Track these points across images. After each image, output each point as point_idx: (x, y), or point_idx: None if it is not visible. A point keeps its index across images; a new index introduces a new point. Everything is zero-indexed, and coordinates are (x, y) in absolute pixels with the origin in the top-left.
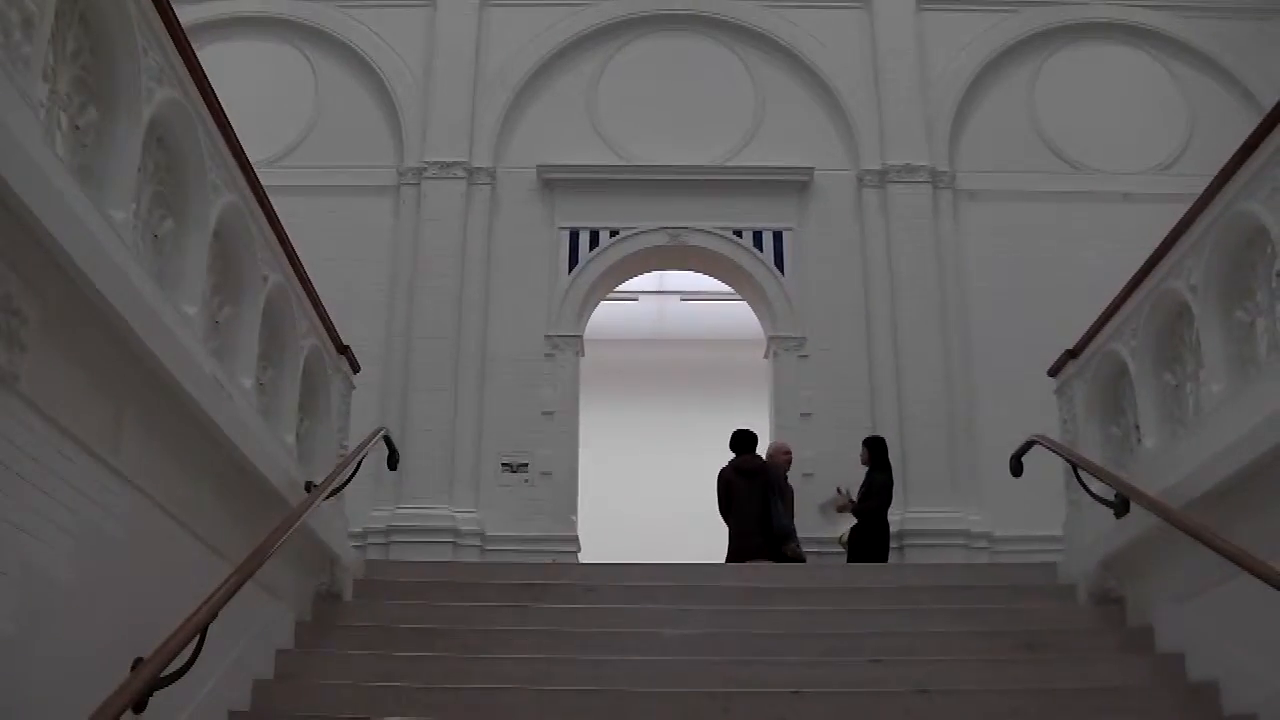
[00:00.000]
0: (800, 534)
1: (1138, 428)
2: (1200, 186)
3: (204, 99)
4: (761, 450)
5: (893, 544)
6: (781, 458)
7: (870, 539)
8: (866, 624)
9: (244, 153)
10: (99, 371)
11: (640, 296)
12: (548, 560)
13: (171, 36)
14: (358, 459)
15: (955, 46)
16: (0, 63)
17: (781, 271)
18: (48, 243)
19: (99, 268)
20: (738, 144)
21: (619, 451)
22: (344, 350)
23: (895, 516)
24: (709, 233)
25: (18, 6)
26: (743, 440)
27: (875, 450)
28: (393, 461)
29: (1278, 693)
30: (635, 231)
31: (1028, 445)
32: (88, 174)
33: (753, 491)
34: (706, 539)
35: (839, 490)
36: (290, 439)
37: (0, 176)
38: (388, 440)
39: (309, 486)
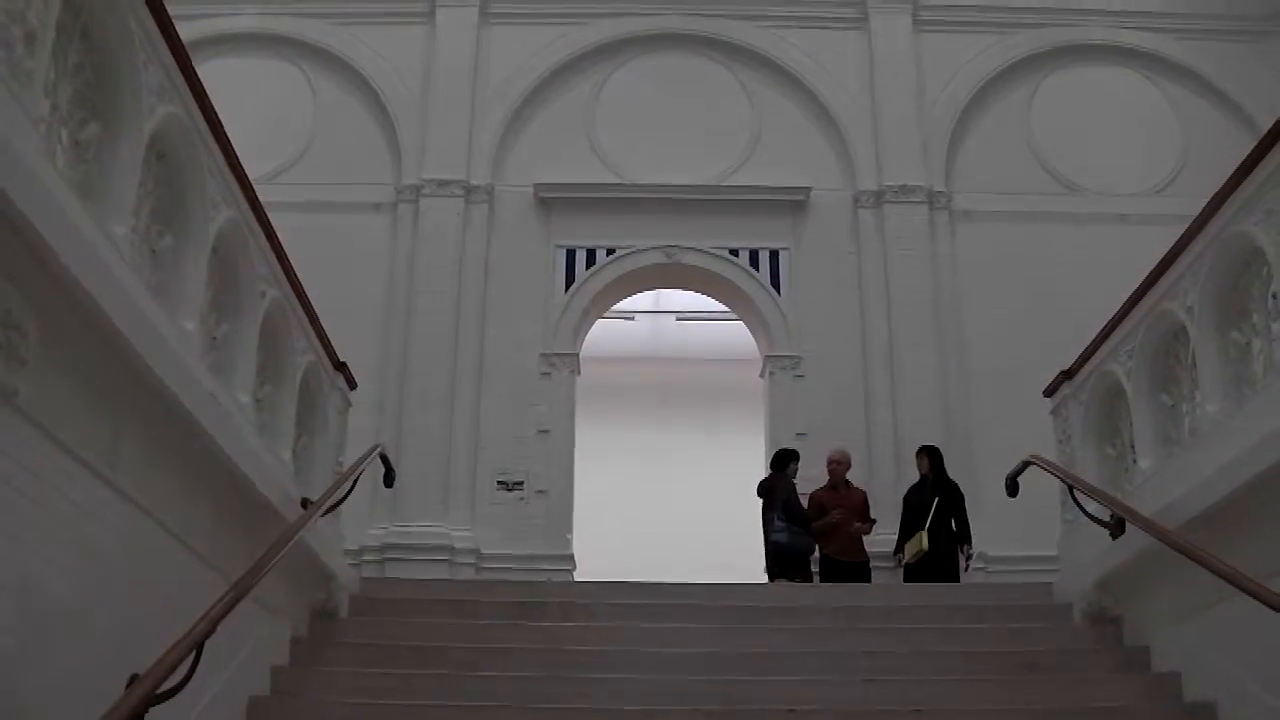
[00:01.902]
0: (870, 549)
1: (1133, 448)
2: (1195, 208)
3: (204, 115)
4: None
5: (889, 563)
6: (829, 466)
7: (949, 556)
8: (861, 643)
9: (243, 169)
10: (98, 387)
11: (636, 315)
12: (543, 579)
13: (172, 52)
14: (354, 476)
15: (952, 67)
16: (3, 78)
17: (778, 291)
18: (48, 258)
19: (99, 283)
20: (734, 163)
21: (614, 470)
22: (340, 367)
23: (891, 535)
24: (705, 252)
25: (20, 22)
26: (772, 460)
27: (938, 460)
28: (389, 479)
29: (1275, 713)
30: (632, 250)
31: (1023, 465)
32: (88, 189)
33: (766, 507)
34: (702, 557)
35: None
36: (287, 455)
37: (2, 191)
38: (384, 458)
39: (305, 503)
